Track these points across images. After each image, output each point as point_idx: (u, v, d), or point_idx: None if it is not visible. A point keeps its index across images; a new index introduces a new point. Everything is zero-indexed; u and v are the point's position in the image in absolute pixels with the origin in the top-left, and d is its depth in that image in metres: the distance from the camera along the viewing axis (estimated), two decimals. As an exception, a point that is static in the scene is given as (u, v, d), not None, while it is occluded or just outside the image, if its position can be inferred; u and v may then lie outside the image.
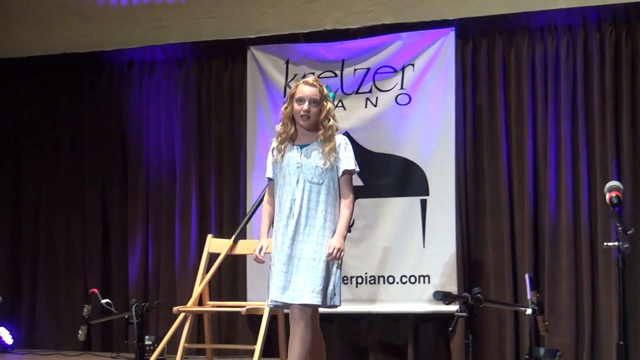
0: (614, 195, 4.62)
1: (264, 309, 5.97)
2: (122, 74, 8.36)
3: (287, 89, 7.57)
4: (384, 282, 7.20)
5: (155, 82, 8.24)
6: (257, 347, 5.91)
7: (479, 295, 4.92)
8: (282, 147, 5.04)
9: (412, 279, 7.13)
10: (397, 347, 7.30)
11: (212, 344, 6.89)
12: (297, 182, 4.96)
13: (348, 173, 5.03)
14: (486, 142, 7.26)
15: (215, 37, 8.02)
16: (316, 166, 4.96)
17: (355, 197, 5.14)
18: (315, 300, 4.82)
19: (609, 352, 6.69)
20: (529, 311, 5.62)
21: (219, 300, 7.30)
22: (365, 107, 7.40)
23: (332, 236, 4.93)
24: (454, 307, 6.05)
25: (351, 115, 7.32)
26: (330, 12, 7.72)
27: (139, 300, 5.52)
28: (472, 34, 7.33)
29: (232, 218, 7.79)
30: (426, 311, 7.08)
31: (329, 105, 5.05)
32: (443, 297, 4.97)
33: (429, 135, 7.21)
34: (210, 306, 6.49)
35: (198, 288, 6.37)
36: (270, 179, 5.14)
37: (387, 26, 7.49)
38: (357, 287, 7.19)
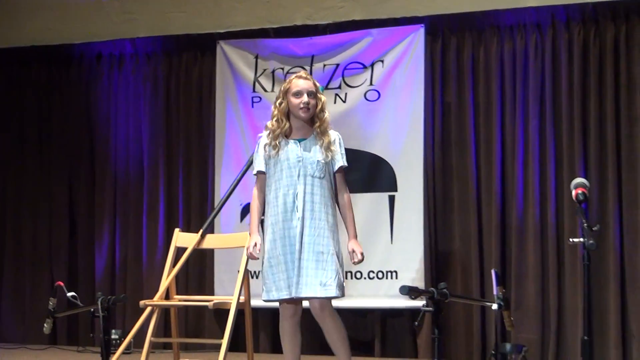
0: (580, 192, 4.62)
1: (230, 303, 5.95)
2: (90, 67, 8.31)
3: (256, 83, 7.57)
4: (351, 278, 7.20)
5: (124, 75, 8.20)
6: (224, 342, 5.88)
7: (445, 290, 4.91)
8: (277, 142, 5.01)
9: (380, 275, 7.15)
10: (365, 342, 7.31)
11: (179, 338, 6.85)
12: (299, 176, 4.93)
13: (342, 170, 5.05)
14: (454, 139, 7.29)
15: (184, 31, 8.00)
16: (317, 161, 4.94)
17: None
18: (333, 292, 4.89)
19: (574, 347, 6.74)
20: (494, 306, 5.63)
21: (186, 294, 7.27)
22: (334, 102, 7.39)
23: (333, 229, 4.95)
24: (421, 302, 6.06)
25: (320, 110, 7.31)
26: (300, 8, 7.72)
27: (105, 294, 5.48)
28: (441, 31, 7.35)
29: (200, 212, 7.77)
30: (394, 306, 7.10)
31: (324, 98, 5.06)
32: (409, 291, 4.96)
33: (398, 132, 7.23)
34: (177, 300, 6.46)
35: (165, 282, 6.32)
36: (262, 173, 5.07)
37: (357, 22, 7.51)
38: (324, 282, 7.18)
